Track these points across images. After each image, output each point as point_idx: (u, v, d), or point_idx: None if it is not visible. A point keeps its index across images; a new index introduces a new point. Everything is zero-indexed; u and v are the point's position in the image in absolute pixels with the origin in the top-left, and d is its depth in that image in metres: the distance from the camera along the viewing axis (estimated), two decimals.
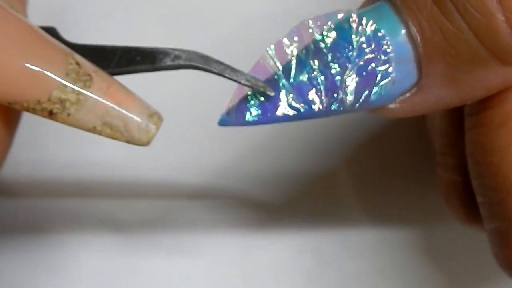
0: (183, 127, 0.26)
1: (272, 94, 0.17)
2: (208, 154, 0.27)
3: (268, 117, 0.17)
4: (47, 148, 0.26)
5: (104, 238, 0.27)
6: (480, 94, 0.18)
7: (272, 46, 0.18)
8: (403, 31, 0.17)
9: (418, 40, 0.17)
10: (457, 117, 0.21)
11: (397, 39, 0.17)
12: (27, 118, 0.19)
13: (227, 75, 0.18)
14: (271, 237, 0.27)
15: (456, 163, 0.22)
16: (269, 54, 0.18)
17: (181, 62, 0.18)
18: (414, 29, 0.17)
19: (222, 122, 0.18)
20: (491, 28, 0.16)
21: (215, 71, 0.18)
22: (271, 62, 0.18)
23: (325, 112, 0.17)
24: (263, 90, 0.17)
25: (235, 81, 0.18)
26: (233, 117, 0.18)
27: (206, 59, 0.18)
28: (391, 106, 0.18)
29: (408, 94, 0.18)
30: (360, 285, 0.27)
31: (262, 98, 0.17)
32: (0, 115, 0.17)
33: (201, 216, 0.27)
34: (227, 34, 0.27)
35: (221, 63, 0.18)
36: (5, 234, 0.26)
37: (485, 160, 0.19)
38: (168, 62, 0.18)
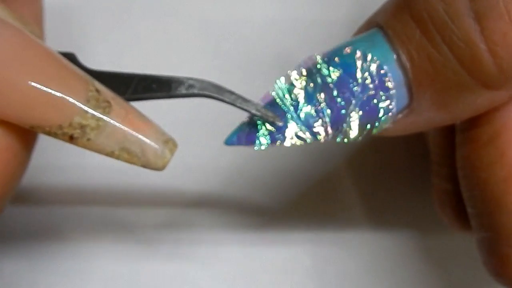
0: (186, 135, 0.26)
1: (280, 124, 0.18)
2: (210, 156, 0.27)
3: (275, 146, 0.18)
4: (46, 154, 0.26)
5: (104, 243, 0.27)
6: (468, 114, 0.19)
7: (282, 79, 0.19)
8: (395, 58, 0.18)
9: (408, 67, 0.18)
10: (450, 131, 0.22)
11: (390, 66, 0.18)
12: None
13: (238, 105, 0.18)
14: (271, 237, 0.27)
15: (450, 173, 0.22)
16: (278, 86, 0.19)
17: (195, 91, 0.18)
18: (404, 57, 0.18)
19: (230, 142, 0.19)
20: (475, 57, 0.17)
21: (227, 100, 0.18)
22: (280, 94, 0.19)
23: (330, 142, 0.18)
24: (272, 120, 0.18)
25: (246, 110, 0.18)
26: (242, 141, 0.19)
27: (219, 89, 0.18)
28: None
29: (400, 116, 0.19)
30: (359, 287, 0.28)
31: (271, 128, 0.18)
32: (21, 137, 0.18)
33: (201, 216, 0.27)
34: (239, 44, 0.27)
35: (233, 93, 0.18)
36: (12, 240, 0.27)
37: (474, 175, 0.20)
38: (182, 90, 0.18)
